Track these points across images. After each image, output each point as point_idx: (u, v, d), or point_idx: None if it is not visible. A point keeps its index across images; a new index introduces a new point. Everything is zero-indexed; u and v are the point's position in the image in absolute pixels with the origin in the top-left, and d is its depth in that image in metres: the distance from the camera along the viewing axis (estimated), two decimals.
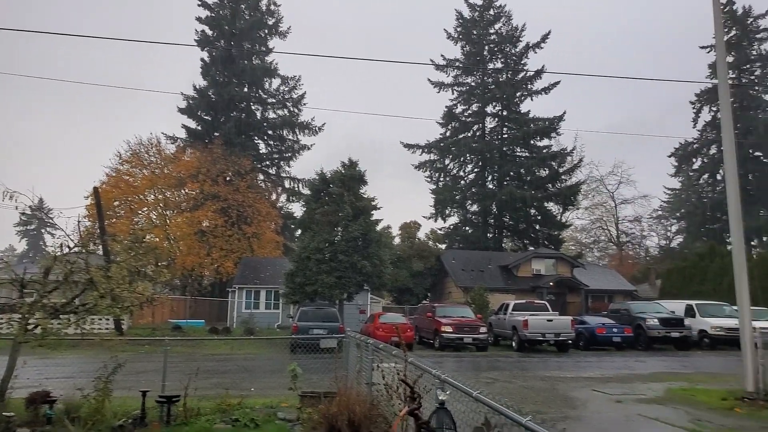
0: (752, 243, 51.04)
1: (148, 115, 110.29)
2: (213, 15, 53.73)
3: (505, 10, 55.14)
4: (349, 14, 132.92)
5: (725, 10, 53.88)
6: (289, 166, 57.11)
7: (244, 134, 52.73)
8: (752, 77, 56.02)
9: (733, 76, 54.90)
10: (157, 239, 39.93)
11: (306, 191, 34.55)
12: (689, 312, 26.13)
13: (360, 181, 30.74)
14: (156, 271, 10.26)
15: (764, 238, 51.37)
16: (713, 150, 56.50)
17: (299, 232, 33.39)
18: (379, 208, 31.62)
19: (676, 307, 27.00)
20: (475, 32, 55.13)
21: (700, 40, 73.98)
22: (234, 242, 44.05)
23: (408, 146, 55.77)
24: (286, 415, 8.24)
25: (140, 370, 12.38)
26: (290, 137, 56.29)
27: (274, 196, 56.65)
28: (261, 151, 56.84)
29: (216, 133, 51.70)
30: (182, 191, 46.62)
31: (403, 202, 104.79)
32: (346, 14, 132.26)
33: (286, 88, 56.20)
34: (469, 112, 56.06)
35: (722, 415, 9.94)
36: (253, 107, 55.71)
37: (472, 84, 55.88)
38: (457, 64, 55.66)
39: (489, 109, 55.24)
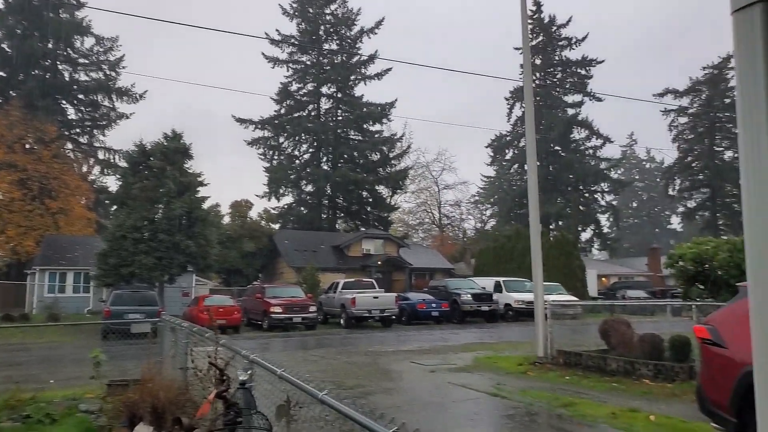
0: (551, 227, 57.94)
1: None
2: None
3: None
4: None
5: (534, 17, 59.82)
6: (104, 135, 51.74)
7: (48, 96, 46.66)
8: (555, 80, 63.10)
9: (540, 77, 61.38)
10: None
11: (123, 164, 31.68)
12: (497, 288, 28.96)
13: (185, 155, 29.03)
14: None
15: (560, 222, 58.54)
16: (522, 143, 62.88)
17: (114, 208, 30.54)
18: (206, 185, 30.21)
19: (486, 283, 29.77)
20: (311, 10, 54.71)
21: (516, 42, 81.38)
22: (35, 218, 39.11)
23: (241, 121, 53.92)
24: (90, 406, 7.55)
25: None
26: (106, 103, 50.97)
27: (85, 168, 51.19)
28: (70, 117, 50.79)
29: (13, 93, 45.13)
30: None
31: (235, 180, 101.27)
32: None
33: (102, 49, 50.68)
34: (305, 91, 55.74)
35: (517, 378, 11.18)
36: (60, 67, 49.49)
37: (308, 63, 55.57)
38: (292, 41, 54.89)
39: (324, 89, 55.43)
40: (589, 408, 8.17)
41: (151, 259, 26.14)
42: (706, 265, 11.51)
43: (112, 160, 50.42)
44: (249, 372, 3.48)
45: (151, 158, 28.08)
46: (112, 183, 50.70)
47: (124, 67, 51.32)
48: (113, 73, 50.86)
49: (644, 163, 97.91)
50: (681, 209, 67.42)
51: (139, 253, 26.07)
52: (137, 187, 27.12)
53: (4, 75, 46.48)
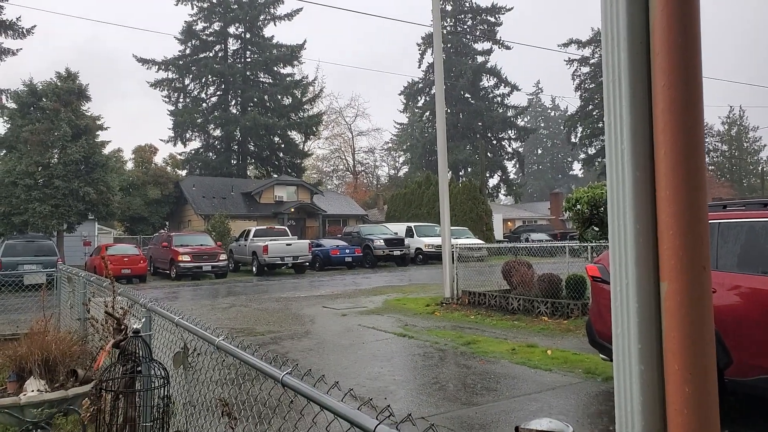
0: (460, 173, 59.63)
1: None
2: None
3: None
4: None
5: None
6: None
7: None
8: (465, 27, 63.54)
9: (450, 24, 61.55)
10: None
11: (11, 105, 29.03)
12: (409, 233, 29.73)
13: (80, 96, 27.12)
14: None
15: (469, 169, 60.33)
16: (433, 90, 63.43)
17: (2, 153, 28.15)
18: (105, 129, 28.56)
19: (398, 228, 30.47)
20: None
21: None
22: None
23: (143, 61, 50.46)
24: None
25: None
26: None
27: None
28: None
29: None
30: None
31: (139, 124, 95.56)
32: None
33: None
34: (211, 30, 52.71)
35: (425, 319, 11.72)
36: None
37: (214, 1, 52.42)
38: None
39: (231, 30, 52.70)
40: (491, 345, 8.75)
41: (47, 206, 24.59)
42: (601, 208, 12.32)
43: None
44: (143, 320, 3.44)
45: (43, 99, 25.96)
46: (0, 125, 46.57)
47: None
48: None
49: (549, 111, 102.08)
50: (582, 156, 71.30)
51: (32, 201, 24.44)
52: (27, 130, 25.10)
53: None
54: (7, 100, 43.40)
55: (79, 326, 6.56)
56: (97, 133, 27.73)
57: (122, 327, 3.62)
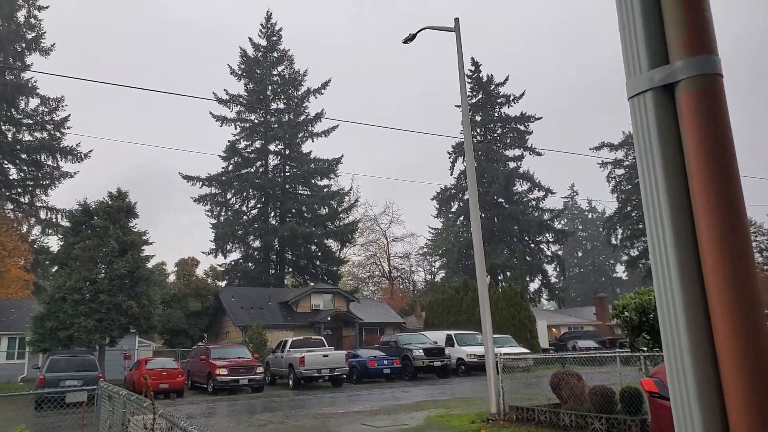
0: (499, 278, 58.78)
1: None
2: None
3: (289, 54, 56.70)
4: (133, 39, 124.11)
5: (472, 76, 62.52)
6: (46, 195, 50.15)
7: None
8: (495, 135, 65.51)
9: (480, 133, 63.61)
10: None
11: (65, 223, 30.64)
12: (449, 341, 28.84)
13: (129, 213, 28.38)
14: None
15: (508, 273, 59.51)
16: (466, 195, 64.35)
17: (55, 269, 29.30)
18: (150, 243, 29.51)
19: (438, 337, 29.62)
20: (258, 71, 55.53)
21: (457, 100, 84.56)
22: None
23: (188, 178, 53.28)
24: None
25: None
26: (49, 163, 49.72)
27: (25, 228, 49.18)
28: (12, 177, 49.13)
29: None
30: None
31: (182, 238, 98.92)
32: (129, 39, 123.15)
33: (47, 109, 49.76)
34: (252, 148, 55.81)
35: None
36: (3, 127, 48.23)
37: (255, 121, 55.92)
38: (240, 100, 55.28)
39: (272, 147, 55.70)
40: None
41: (92, 321, 25.00)
42: (651, 315, 11.76)
43: (54, 220, 48.78)
44: None
45: (95, 217, 27.28)
46: (54, 243, 48.83)
47: (69, 127, 50.43)
48: (58, 133, 49.86)
49: (586, 213, 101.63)
50: (624, 258, 69.73)
51: (78, 316, 24.92)
52: (79, 247, 26.16)
53: None
54: (62, 219, 46.04)
55: None
56: (143, 248, 28.69)
57: None
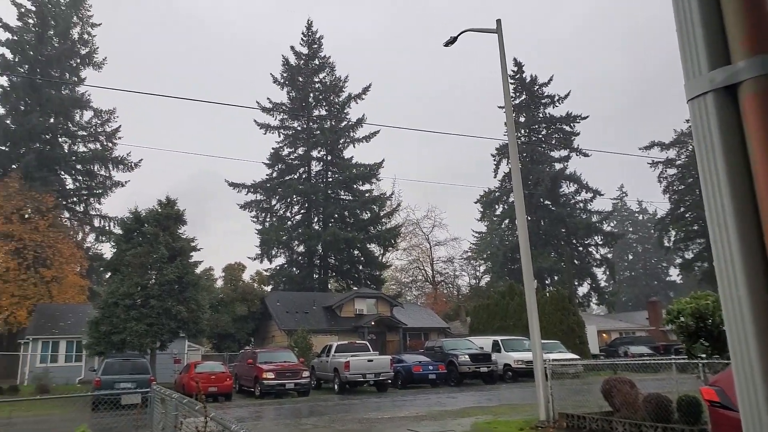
0: (546, 282, 57.64)
1: None
2: (15, 38, 48.22)
3: (330, 61, 57.35)
4: (178, 51, 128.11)
5: (515, 77, 61.71)
6: (99, 204, 52.51)
7: (46, 168, 47.38)
8: (540, 136, 64.42)
9: (525, 134, 62.66)
10: None
11: (118, 231, 31.84)
12: (495, 347, 28.43)
13: (178, 221, 29.14)
14: None
15: (555, 277, 58.30)
16: (511, 198, 63.44)
17: (108, 275, 30.43)
18: (198, 249, 30.23)
19: (484, 342, 29.25)
20: (300, 79, 56.36)
21: (500, 102, 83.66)
22: (29, 287, 38.72)
23: (234, 185, 54.54)
24: None
25: None
26: (102, 173, 51.94)
27: (80, 236, 51.29)
28: (68, 187, 51.55)
29: (14, 166, 45.84)
30: None
31: (229, 243, 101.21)
32: (174, 51, 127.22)
33: (99, 121, 51.97)
34: (296, 155, 56.66)
35: None
36: (60, 140, 50.57)
37: (298, 128, 56.75)
38: (282, 108, 56.21)
39: (314, 153, 56.43)
40: None
41: (143, 325, 25.75)
42: (708, 321, 11.30)
43: (107, 228, 50.79)
44: None
45: (145, 225, 28.15)
46: (107, 250, 50.83)
47: (120, 138, 52.56)
48: (110, 144, 51.98)
49: (636, 215, 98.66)
50: (678, 261, 67.33)
51: (130, 320, 25.73)
52: (131, 254, 27.04)
53: (5, 149, 47.38)
54: (114, 227, 47.86)
55: None
56: (191, 254, 29.40)
57: None
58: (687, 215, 60.17)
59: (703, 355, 10.40)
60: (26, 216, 41.66)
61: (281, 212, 55.95)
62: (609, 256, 66.23)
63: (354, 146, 56.30)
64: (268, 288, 49.90)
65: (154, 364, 26.77)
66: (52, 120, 49.46)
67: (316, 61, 57.21)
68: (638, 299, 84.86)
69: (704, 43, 1.17)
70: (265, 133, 55.72)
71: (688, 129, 59.77)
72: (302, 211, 56.01)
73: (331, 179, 55.96)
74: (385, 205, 56.38)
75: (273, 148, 55.64)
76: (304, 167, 56.48)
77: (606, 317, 58.94)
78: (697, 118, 1.19)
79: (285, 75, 56.46)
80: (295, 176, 55.88)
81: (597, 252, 62.85)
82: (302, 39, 57.53)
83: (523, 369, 25.58)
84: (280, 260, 54.76)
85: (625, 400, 11.10)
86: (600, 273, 64.03)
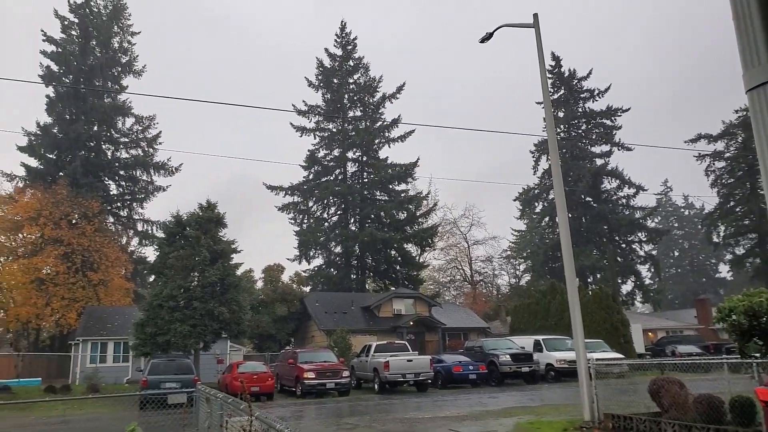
0: (588, 280, 56.50)
1: None
2: (60, 50, 50.06)
3: (364, 62, 57.47)
4: (214, 57, 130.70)
5: (553, 72, 60.69)
6: (142, 208, 54.13)
7: (91, 174, 49.11)
8: (580, 131, 63.16)
9: (564, 130, 61.56)
10: None
11: (160, 234, 32.73)
12: (537, 347, 28.02)
13: (218, 224, 29.69)
14: None
15: (598, 275, 57.06)
16: (551, 195, 62.35)
17: (152, 278, 31.32)
18: (239, 252, 30.74)
19: (525, 342, 28.85)
20: (335, 81, 56.71)
21: (538, 97, 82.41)
22: (78, 290, 40.25)
23: (271, 188, 55.25)
24: None
25: None
26: (144, 178, 53.49)
27: (124, 240, 52.94)
28: (112, 193, 53.38)
29: (61, 173, 47.66)
30: (19, 235, 42.13)
31: (268, 245, 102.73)
32: (211, 56, 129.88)
33: (140, 128, 53.53)
34: (331, 156, 57.02)
35: None
36: (103, 146, 52.34)
37: (333, 130, 57.10)
38: (318, 110, 56.66)
39: (350, 154, 56.68)
40: None
41: (186, 326, 26.34)
42: (762, 319, 10.85)
43: (150, 232, 52.29)
44: None
45: (187, 228, 28.78)
46: (150, 253, 52.23)
47: (160, 143, 54.05)
48: (151, 150, 53.46)
49: (682, 210, 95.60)
50: (729, 257, 64.96)
51: (174, 322, 26.34)
52: (173, 257, 27.68)
53: (53, 157, 49.27)
54: (157, 231, 49.24)
55: None
56: (232, 256, 29.93)
57: None
58: (737, 209, 58.03)
59: (757, 355, 9.99)
60: (74, 221, 43.24)
61: (318, 214, 56.43)
62: (653, 253, 64.50)
63: (389, 146, 56.35)
64: (307, 289, 50.44)
65: (198, 364, 27.34)
66: (95, 128, 51.17)
67: (351, 63, 57.46)
68: (685, 297, 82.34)
69: (763, 33, 1.12)
70: (301, 136, 56.28)
71: (737, 120, 57.64)
72: (339, 212, 56.36)
73: (366, 180, 56.13)
74: (421, 204, 56.24)
75: (309, 151, 56.19)
76: (340, 168, 56.83)
77: (651, 315, 57.37)
78: (757, 108, 1.13)
79: (320, 77, 56.90)
80: (331, 178, 56.27)
81: (641, 249, 61.27)
82: (336, 41, 57.93)
83: (566, 369, 25.14)
84: (318, 261, 55.32)
85: (674, 401, 10.76)
86: (644, 270, 62.40)
